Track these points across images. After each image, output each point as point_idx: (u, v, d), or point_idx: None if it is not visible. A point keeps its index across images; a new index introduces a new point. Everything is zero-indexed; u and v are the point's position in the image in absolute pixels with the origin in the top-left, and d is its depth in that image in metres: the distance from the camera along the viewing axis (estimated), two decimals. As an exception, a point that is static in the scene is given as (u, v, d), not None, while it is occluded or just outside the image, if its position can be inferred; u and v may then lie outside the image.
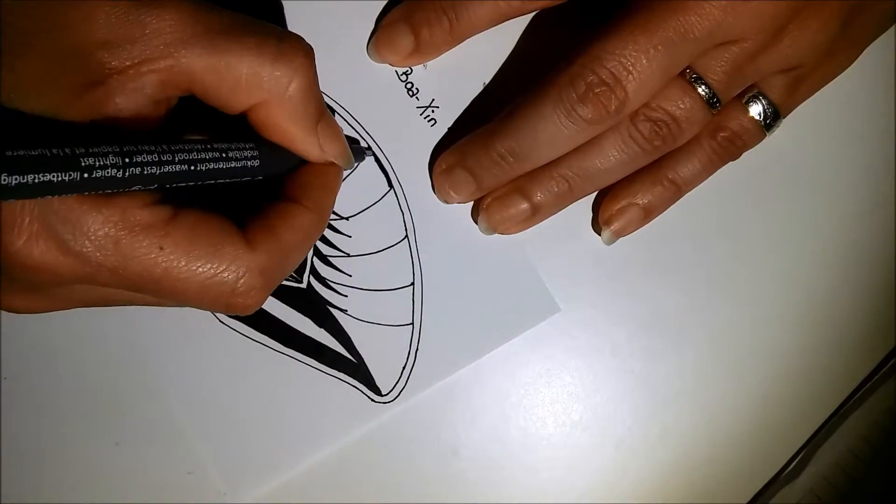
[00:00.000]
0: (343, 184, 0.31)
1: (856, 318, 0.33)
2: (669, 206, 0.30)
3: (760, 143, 0.30)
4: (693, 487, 0.32)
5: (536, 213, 0.29)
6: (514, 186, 0.29)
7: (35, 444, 0.29)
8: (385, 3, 0.31)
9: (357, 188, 0.31)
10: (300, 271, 0.31)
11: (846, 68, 0.30)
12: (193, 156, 0.22)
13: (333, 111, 0.31)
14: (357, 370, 0.30)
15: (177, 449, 0.30)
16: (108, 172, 0.20)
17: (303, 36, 0.24)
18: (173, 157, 0.21)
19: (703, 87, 0.27)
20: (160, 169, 0.21)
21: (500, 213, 0.29)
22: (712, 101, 0.28)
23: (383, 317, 0.31)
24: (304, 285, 0.31)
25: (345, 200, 0.31)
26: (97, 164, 0.19)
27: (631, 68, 0.26)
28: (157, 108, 0.23)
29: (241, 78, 0.22)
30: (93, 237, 0.20)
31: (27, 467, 0.29)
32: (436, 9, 0.29)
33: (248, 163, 0.24)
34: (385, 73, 0.31)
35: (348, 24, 0.31)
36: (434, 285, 0.31)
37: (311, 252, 0.31)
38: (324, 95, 0.30)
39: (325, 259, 0.31)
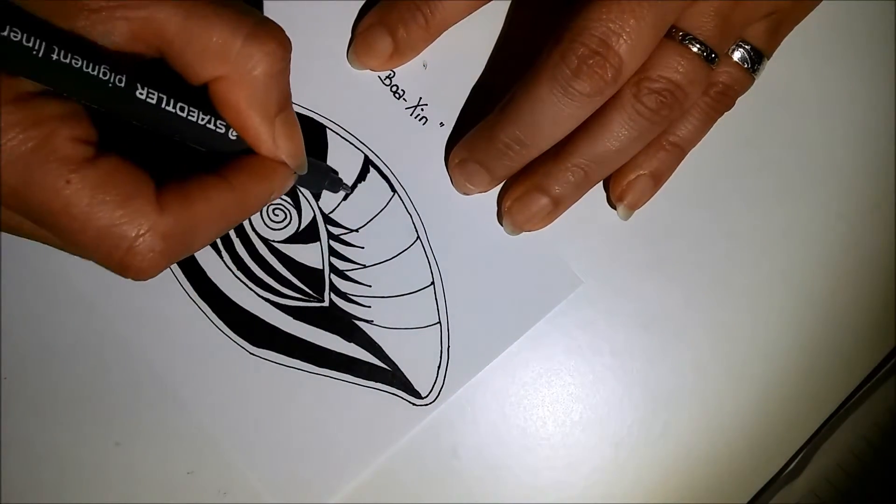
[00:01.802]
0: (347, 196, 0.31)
1: (856, 318, 0.33)
2: (676, 168, 0.30)
3: (760, 145, 0.30)
4: (693, 487, 0.32)
5: (558, 206, 0.29)
6: (532, 184, 0.29)
7: (35, 444, 0.29)
8: (358, 13, 0.31)
9: (362, 198, 0.31)
10: (320, 290, 0.30)
11: (819, 3, 0.30)
12: (135, 90, 0.21)
13: (326, 128, 0.31)
14: (394, 378, 0.30)
15: (177, 449, 0.30)
16: (26, 42, 0.19)
17: None
18: (110, 77, 0.21)
19: (697, 44, 0.27)
20: (85, 67, 0.20)
21: (522, 214, 0.29)
22: (710, 58, 0.27)
23: (410, 320, 0.31)
24: (326, 303, 0.30)
25: (351, 212, 0.31)
26: (20, 37, 0.19)
27: (620, 31, 0.25)
28: (121, 61, 0.22)
29: (211, 46, 0.22)
30: (5, 150, 0.20)
31: (27, 467, 0.29)
32: (409, 7, 0.29)
33: (190, 117, 0.23)
34: (368, 80, 0.31)
35: (326, 41, 0.31)
36: (454, 280, 0.31)
37: (328, 269, 0.31)
38: (314, 114, 0.30)
39: (342, 274, 0.31)
